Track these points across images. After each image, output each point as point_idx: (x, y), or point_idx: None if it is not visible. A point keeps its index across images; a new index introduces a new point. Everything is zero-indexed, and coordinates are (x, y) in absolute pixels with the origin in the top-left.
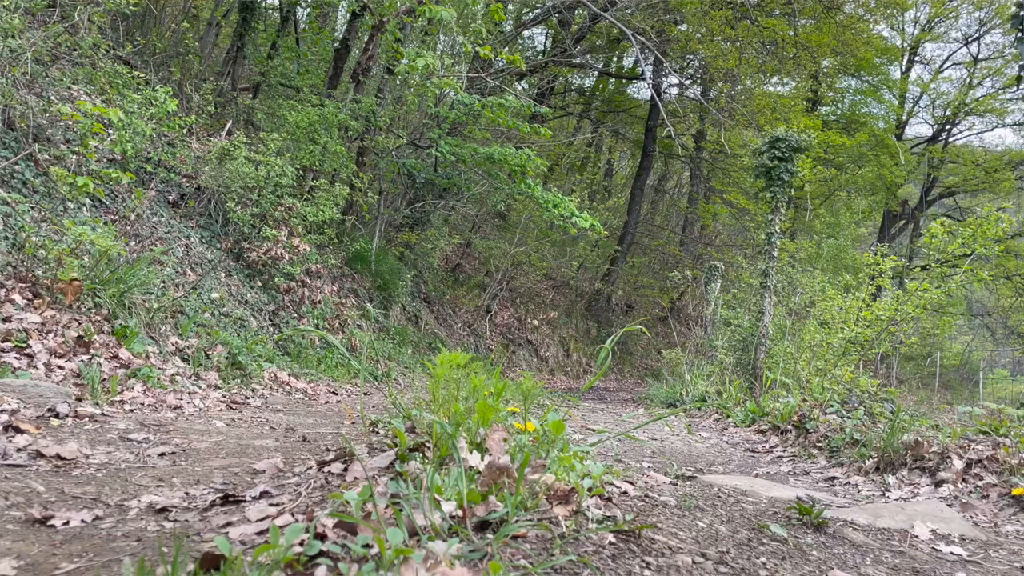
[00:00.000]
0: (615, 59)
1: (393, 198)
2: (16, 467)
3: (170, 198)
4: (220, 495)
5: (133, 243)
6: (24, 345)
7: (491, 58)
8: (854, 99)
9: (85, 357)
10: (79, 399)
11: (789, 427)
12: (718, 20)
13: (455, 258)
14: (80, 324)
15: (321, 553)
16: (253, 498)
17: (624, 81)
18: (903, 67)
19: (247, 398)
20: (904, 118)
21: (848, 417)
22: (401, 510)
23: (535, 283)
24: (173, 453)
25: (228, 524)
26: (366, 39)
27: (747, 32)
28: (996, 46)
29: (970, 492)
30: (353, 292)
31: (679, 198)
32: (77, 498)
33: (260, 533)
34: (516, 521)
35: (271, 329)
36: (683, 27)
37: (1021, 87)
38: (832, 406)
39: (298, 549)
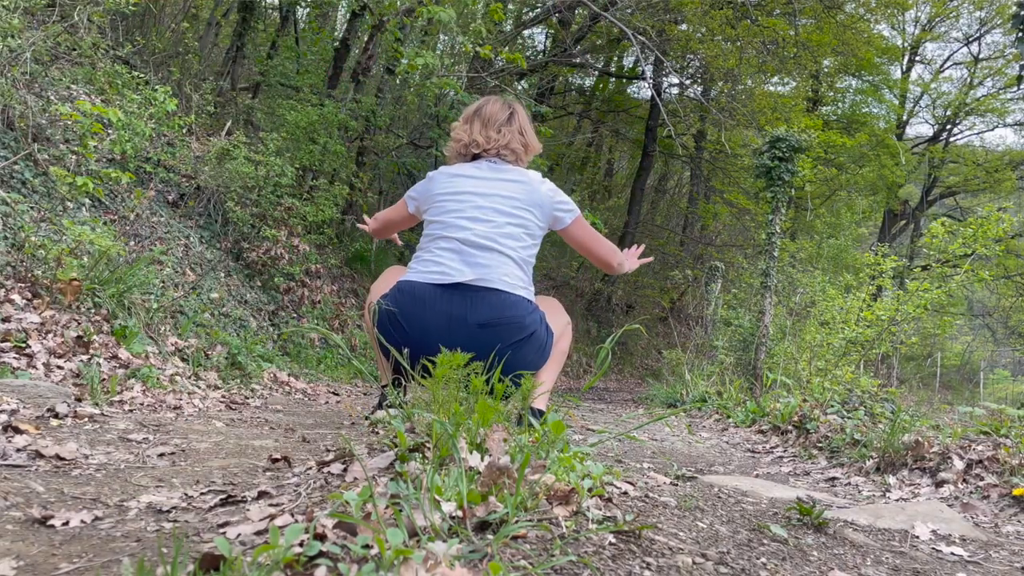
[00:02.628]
0: (615, 59)
1: (393, 198)
2: (15, 467)
3: (170, 198)
4: (220, 495)
5: (133, 243)
6: (23, 345)
7: (491, 58)
8: (855, 99)
9: (84, 357)
10: (78, 399)
11: (790, 427)
12: (718, 20)
13: None
14: (80, 324)
15: (321, 553)
16: (252, 498)
17: (624, 81)
18: (904, 67)
19: (247, 398)
20: (905, 118)
21: (849, 417)
22: (401, 510)
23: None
24: (172, 453)
25: (227, 524)
26: (366, 39)
27: (747, 32)
28: (996, 46)
29: (971, 492)
30: (353, 292)
31: (679, 198)
32: (77, 498)
33: (259, 533)
34: (516, 521)
35: (271, 329)
36: (683, 27)
37: (1021, 87)
38: (832, 406)
39: (298, 549)
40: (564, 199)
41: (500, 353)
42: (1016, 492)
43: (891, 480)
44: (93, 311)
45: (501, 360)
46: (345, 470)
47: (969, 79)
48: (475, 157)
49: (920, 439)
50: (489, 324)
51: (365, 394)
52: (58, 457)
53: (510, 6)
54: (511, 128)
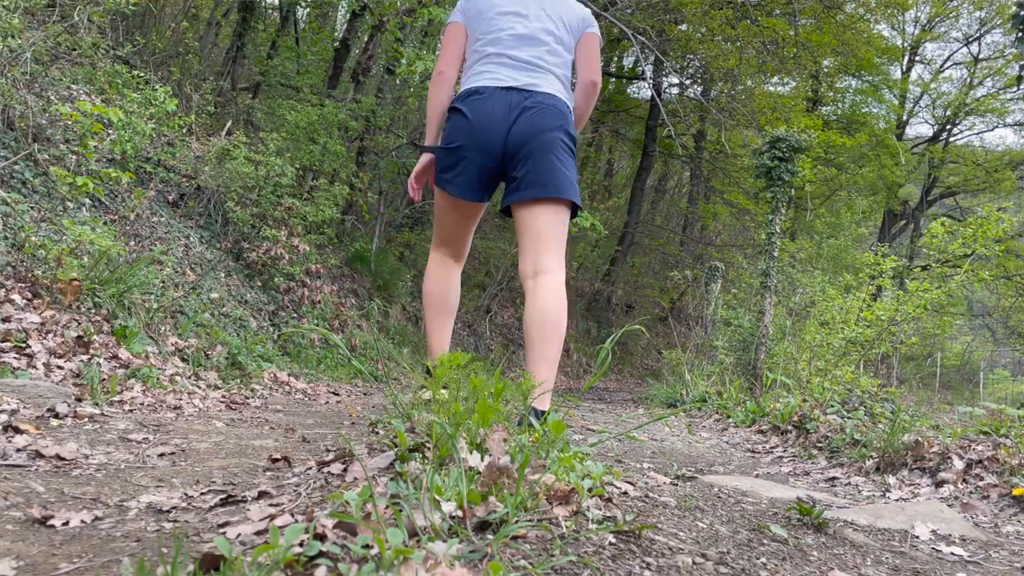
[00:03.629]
0: (615, 59)
1: (393, 198)
2: (16, 467)
3: (170, 198)
4: (220, 495)
5: (133, 243)
6: (24, 345)
7: None
8: (854, 99)
9: (85, 357)
10: (79, 399)
11: (789, 427)
12: (718, 20)
13: None
14: (80, 324)
15: (321, 553)
16: (252, 498)
17: (624, 81)
18: (903, 67)
19: (247, 398)
20: (905, 118)
21: (848, 417)
22: (401, 510)
23: None
24: (173, 453)
25: (227, 524)
26: (366, 39)
27: (747, 32)
28: (996, 46)
29: (970, 492)
30: (353, 292)
31: (679, 198)
32: (77, 498)
33: (259, 533)
34: (516, 521)
35: (271, 329)
36: (683, 27)
37: (1021, 87)
38: (832, 406)
39: (298, 549)
40: (591, 16)
41: (544, 125)
42: (1016, 492)
43: (891, 480)
44: (93, 311)
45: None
46: (345, 470)
47: (969, 79)
48: None
49: (920, 439)
50: (543, 104)
51: (365, 394)
52: (58, 457)
53: None
54: None
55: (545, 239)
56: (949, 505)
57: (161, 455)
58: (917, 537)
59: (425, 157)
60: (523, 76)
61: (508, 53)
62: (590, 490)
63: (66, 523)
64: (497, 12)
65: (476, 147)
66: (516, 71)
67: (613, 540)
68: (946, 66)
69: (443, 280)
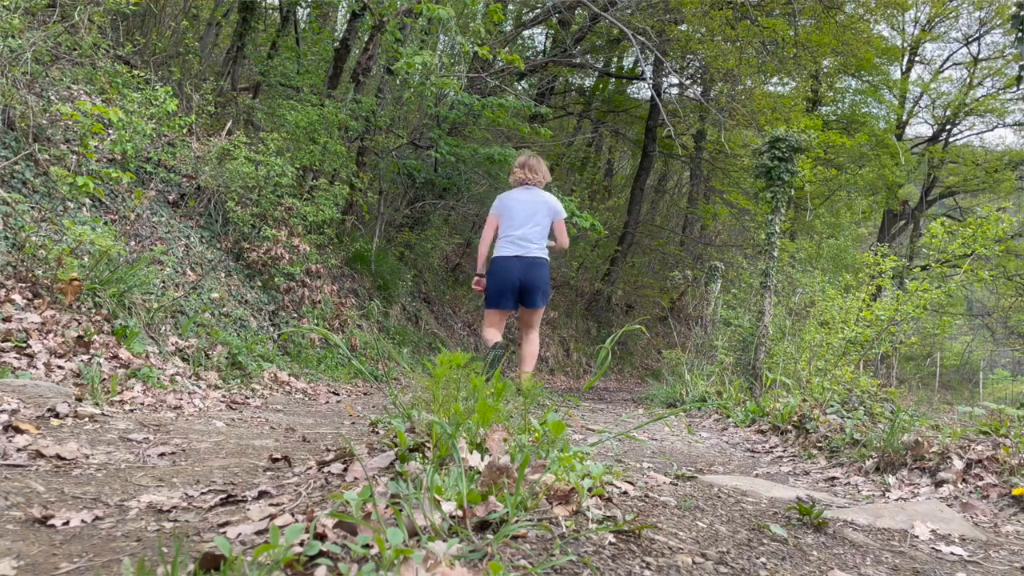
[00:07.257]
0: (615, 59)
1: (393, 198)
2: (16, 467)
3: (170, 198)
4: (220, 495)
5: (133, 243)
6: (24, 345)
7: (490, 58)
8: (854, 99)
9: (85, 357)
10: (79, 399)
11: (789, 427)
12: (718, 20)
13: (455, 258)
14: (80, 324)
15: (321, 553)
16: (253, 498)
17: (624, 81)
18: (903, 67)
19: (247, 398)
20: (904, 118)
21: (848, 417)
22: (401, 510)
23: None
24: (173, 453)
25: (228, 524)
26: (366, 39)
27: (747, 32)
28: (996, 46)
29: (970, 492)
30: (353, 292)
31: (679, 198)
32: (77, 498)
33: (260, 533)
34: (516, 521)
35: (271, 329)
36: (683, 27)
37: (1021, 87)
38: (832, 406)
39: (298, 549)
40: (561, 207)
41: (535, 274)
42: (1015, 492)
43: (891, 480)
44: (93, 311)
45: (538, 290)
46: (345, 470)
47: (969, 79)
48: (522, 182)
49: (920, 439)
50: (536, 264)
51: (365, 394)
52: (59, 457)
53: (510, 7)
54: (540, 169)
55: (534, 322)
56: (949, 505)
57: (161, 455)
58: (917, 537)
59: (476, 277)
60: (524, 251)
61: (515, 234)
62: (590, 490)
63: (66, 523)
64: (514, 212)
65: (508, 287)
66: (520, 247)
67: (613, 540)
68: (946, 66)
69: (494, 334)
